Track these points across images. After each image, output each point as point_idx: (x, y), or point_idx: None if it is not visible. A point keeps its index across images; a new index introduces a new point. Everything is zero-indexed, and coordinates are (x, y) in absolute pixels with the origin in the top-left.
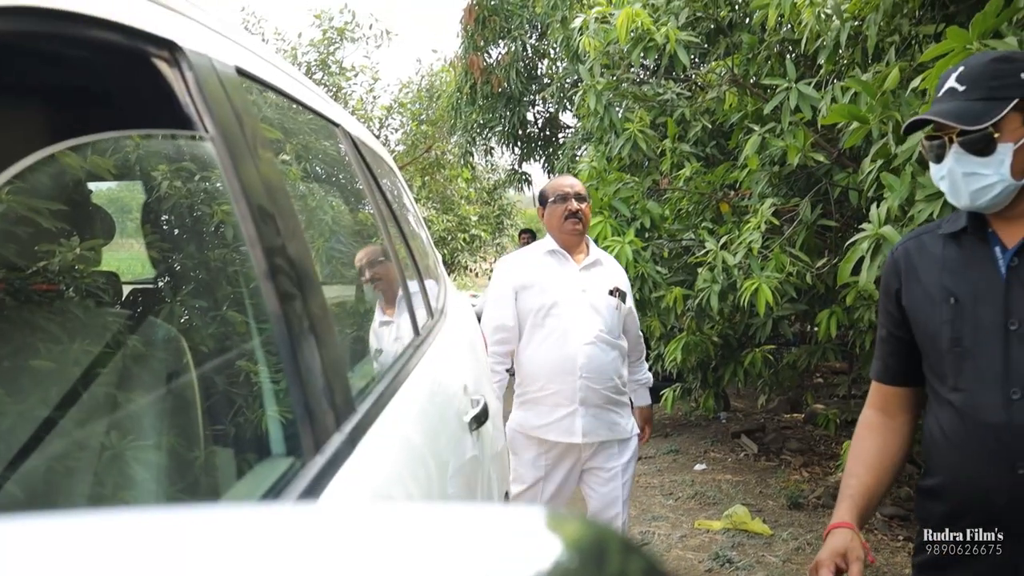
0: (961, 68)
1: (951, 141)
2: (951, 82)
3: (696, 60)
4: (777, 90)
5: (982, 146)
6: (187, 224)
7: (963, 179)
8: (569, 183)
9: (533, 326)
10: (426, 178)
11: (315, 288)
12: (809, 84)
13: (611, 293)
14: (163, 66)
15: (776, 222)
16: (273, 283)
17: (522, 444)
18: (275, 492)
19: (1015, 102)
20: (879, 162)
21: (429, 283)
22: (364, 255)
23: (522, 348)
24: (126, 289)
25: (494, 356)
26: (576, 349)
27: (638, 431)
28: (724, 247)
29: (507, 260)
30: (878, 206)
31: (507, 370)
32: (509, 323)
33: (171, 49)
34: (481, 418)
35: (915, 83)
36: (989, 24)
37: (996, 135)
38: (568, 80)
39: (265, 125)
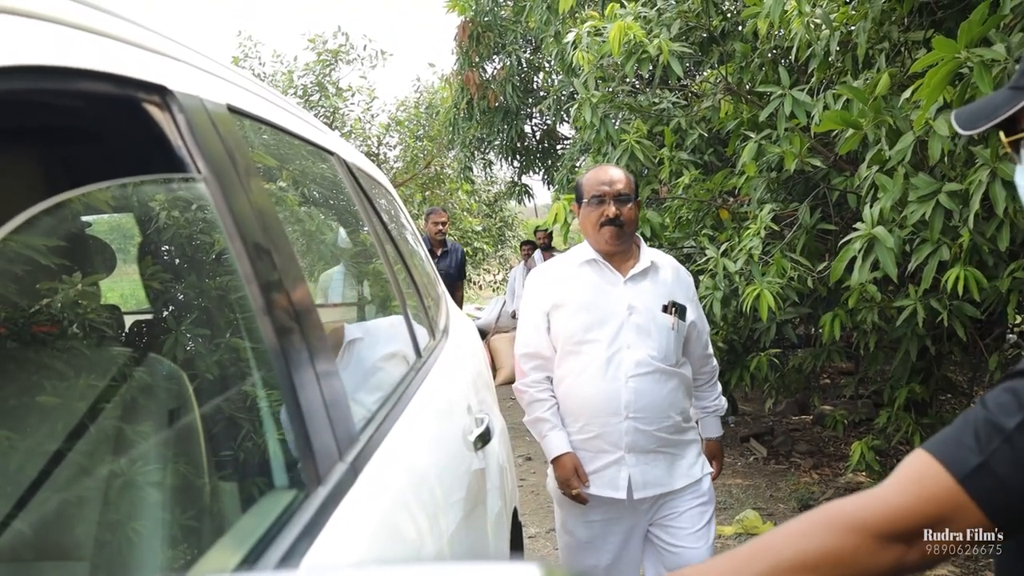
0: None
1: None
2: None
3: (691, 68)
4: (772, 97)
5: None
6: (186, 257)
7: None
8: (608, 178)
9: (567, 353)
10: (427, 193)
11: (313, 319)
12: (803, 91)
13: (665, 309)
14: (154, 110)
15: (776, 227)
16: (270, 318)
17: (566, 499)
18: (279, 526)
19: None
20: (875, 168)
21: (428, 304)
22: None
23: (558, 379)
24: (129, 319)
25: (534, 385)
26: (620, 383)
27: (710, 470)
28: (725, 254)
29: (539, 273)
30: (871, 207)
31: (554, 395)
32: (545, 352)
33: (161, 93)
34: (486, 437)
35: (907, 94)
36: (975, 32)
37: (1008, 139)
38: (564, 92)
39: (260, 159)
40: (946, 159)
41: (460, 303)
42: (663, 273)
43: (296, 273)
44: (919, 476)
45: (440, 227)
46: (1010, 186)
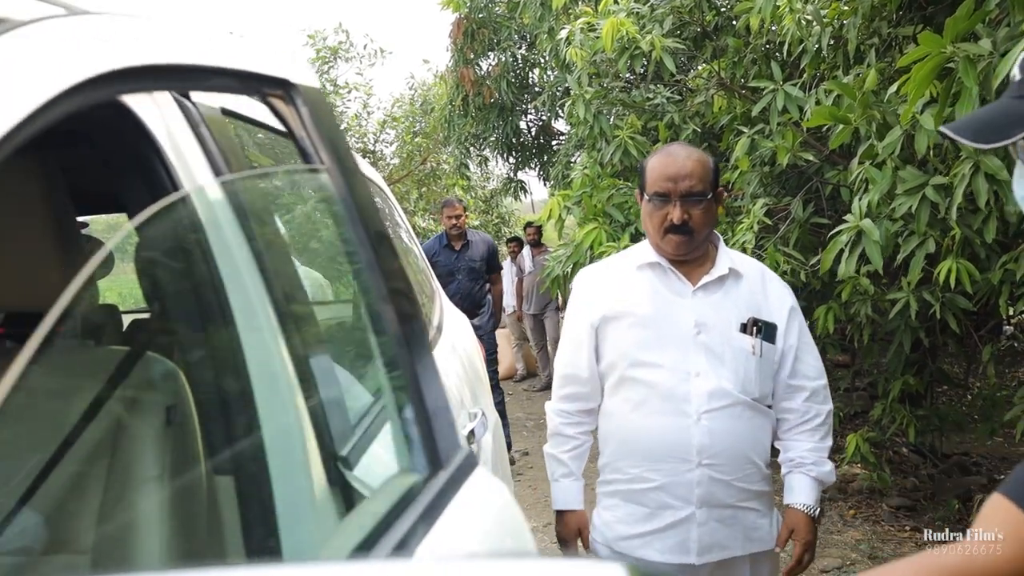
0: None
1: (1015, 152)
2: (1015, 69)
3: (685, 63)
4: (764, 92)
5: None
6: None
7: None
8: (674, 171)
9: (621, 380)
10: (423, 189)
11: (421, 305)
12: (795, 85)
13: (745, 329)
14: (279, 103)
15: (769, 221)
16: (393, 304)
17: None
18: (402, 507)
19: None
20: (867, 162)
21: (422, 300)
22: None
23: (605, 413)
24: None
25: (562, 415)
26: (691, 420)
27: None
28: None
29: (587, 276)
30: (860, 200)
31: (588, 432)
32: (583, 373)
33: (285, 87)
34: (479, 431)
35: (893, 88)
36: (961, 27)
37: None
38: (559, 88)
39: (256, 158)
40: (930, 153)
41: (498, 299)
42: (746, 283)
43: (404, 262)
44: (1015, 525)
45: (454, 220)
46: (992, 179)
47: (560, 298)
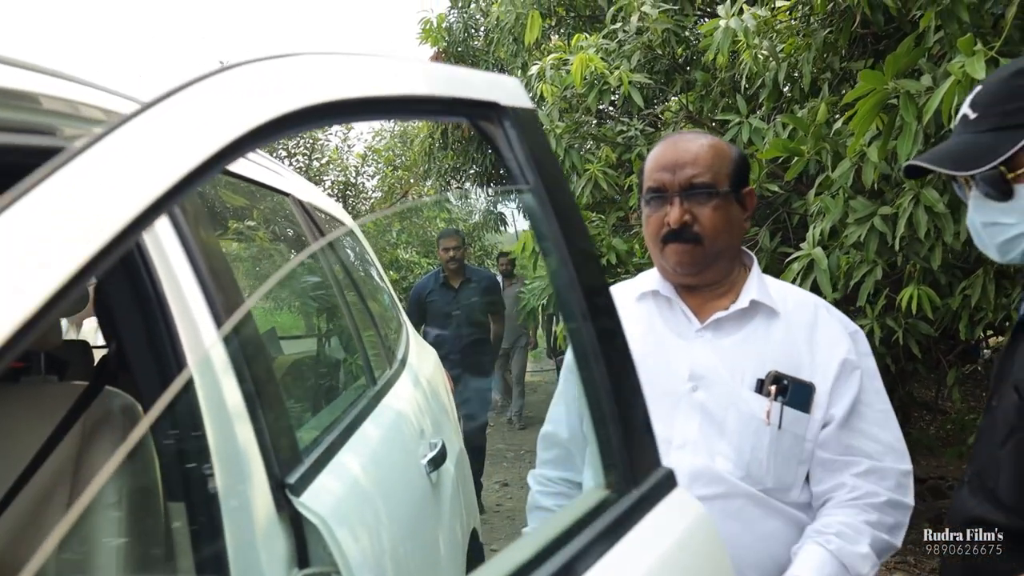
0: (977, 89)
1: (968, 184)
2: (964, 108)
3: (657, 96)
4: (731, 125)
5: (997, 190)
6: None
7: (984, 230)
8: (672, 158)
9: None
10: (404, 223)
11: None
12: (760, 119)
13: (761, 388)
14: (488, 126)
15: None
16: (592, 322)
17: None
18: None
19: None
20: (824, 193)
21: (385, 334)
22: None
23: (587, 487)
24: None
25: (540, 482)
26: None
27: None
28: None
29: None
30: (813, 229)
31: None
32: (562, 433)
33: (495, 109)
34: (438, 460)
35: (838, 124)
36: (901, 64)
37: (1011, 175)
38: None
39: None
40: (884, 183)
41: (498, 341)
42: (782, 324)
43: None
44: None
45: (452, 253)
46: (930, 211)
47: (532, 333)
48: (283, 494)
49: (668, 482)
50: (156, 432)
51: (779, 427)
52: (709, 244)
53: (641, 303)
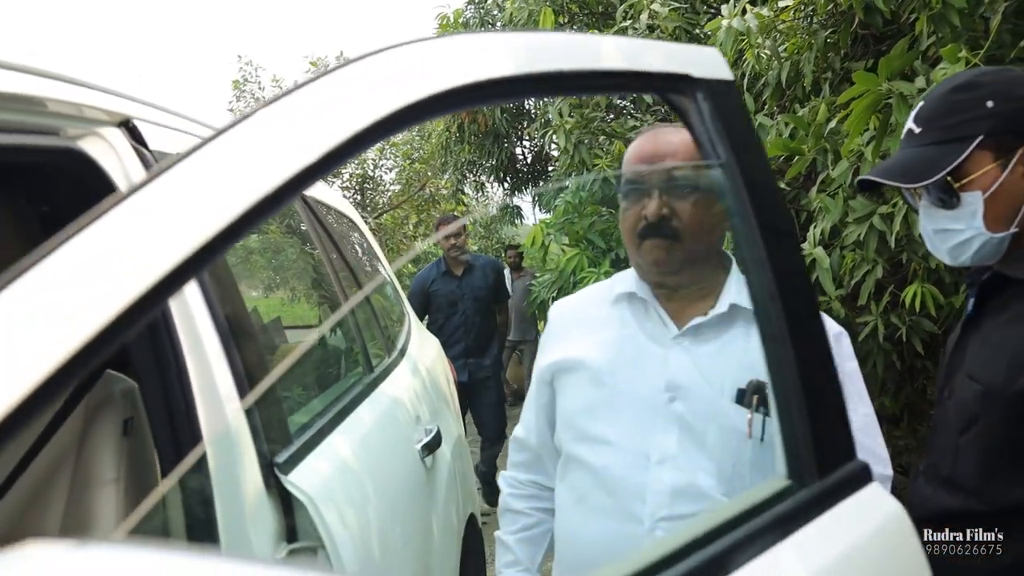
0: (920, 105)
1: (918, 194)
2: (909, 123)
3: None
4: None
5: (945, 199)
6: None
7: (936, 236)
8: (651, 149)
9: (567, 461)
10: (422, 215)
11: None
12: (766, 115)
13: (742, 397)
14: (681, 99)
15: None
16: (783, 303)
17: None
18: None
19: (979, 139)
20: (825, 192)
21: (386, 324)
22: None
23: (558, 504)
24: None
25: (511, 484)
26: (642, 528)
27: None
28: None
29: (557, 311)
30: (814, 228)
31: (546, 510)
32: (531, 439)
33: (688, 81)
34: (433, 445)
35: (832, 124)
36: (895, 66)
37: (957, 184)
38: (550, 115)
39: None
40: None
41: (505, 329)
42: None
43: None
44: None
45: (453, 241)
46: None
47: (541, 327)
48: (272, 472)
49: (861, 476)
50: (152, 413)
51: (761, 441)
52: (689, 242)
53: (616, 308)
